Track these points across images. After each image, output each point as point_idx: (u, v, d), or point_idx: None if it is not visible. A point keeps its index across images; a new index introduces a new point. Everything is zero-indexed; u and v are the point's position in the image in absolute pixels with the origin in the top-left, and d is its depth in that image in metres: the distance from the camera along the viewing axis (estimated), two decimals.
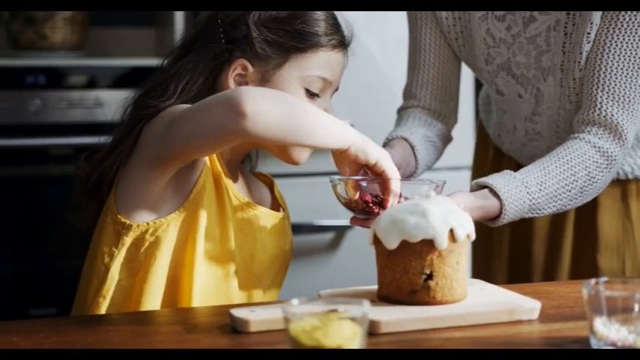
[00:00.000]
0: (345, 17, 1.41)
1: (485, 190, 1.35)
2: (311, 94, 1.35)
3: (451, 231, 1.11)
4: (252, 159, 1.51)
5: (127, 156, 1.29)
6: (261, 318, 1.06)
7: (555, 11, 1.44)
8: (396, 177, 1.26)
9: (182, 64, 1.34)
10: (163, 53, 2.34)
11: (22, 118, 2.35)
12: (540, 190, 1.36)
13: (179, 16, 2.50)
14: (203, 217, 1.28)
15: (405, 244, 1.10)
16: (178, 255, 1.28)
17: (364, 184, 1.28)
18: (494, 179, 1.35)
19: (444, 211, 1.11)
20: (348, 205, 1.28)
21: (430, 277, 1.11)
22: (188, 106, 1.25)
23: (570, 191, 1.39)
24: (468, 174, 1.88)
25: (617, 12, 1.39)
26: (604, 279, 0.99)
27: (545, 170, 1.38)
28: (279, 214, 1.41)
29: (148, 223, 1.27)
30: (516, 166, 1.60)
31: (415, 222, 1.10)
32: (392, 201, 1.25)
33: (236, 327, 1.07)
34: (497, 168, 1.64)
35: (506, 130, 1.63)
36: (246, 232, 1.34)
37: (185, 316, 1.17)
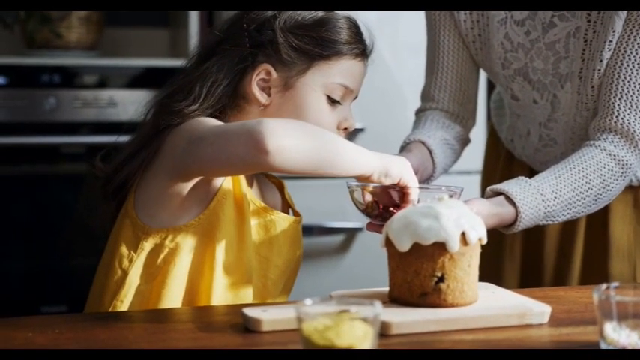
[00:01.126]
0: (367, 26, 1.43)
1: (501, 198, 1.35)
2: (332, 101, 1.36)
3: (463, 234, 1.11)
4: None
5: (149, 162, 1.30)
6: (273, 317, 1.07)
7: (575, 18, 1.44)
8: (415, 186, 1.27)
9: (207, 67, 1.34)
10: (177, 54, 2.37)
11: (37, 117, 2.37)
12: (556, 197, 1.37)
13: (193, 17, 2.52)
14: (223, 225, 1.29)
15: (417, 247, 1.11)
16: (197, 261, 1.28)
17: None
18: (509, 186, 1.36)
19: (457, 214, 1.12)
20: (366, 211, 1.29)
21: (441, 279, 1.11)
22: (211, 125, 1.25)
23: (585, 199, 1.39)
24: (478, 178, 1.88)
25: (639, 20, 1.39)
26: (615, 284, 0.99)
27: (561, 178, 1.38)
28: (294, 219, 1.41)
29: (167, 229, 1.27)
30: (528, 172, 1.61)
31: (428, 225, 1.11)
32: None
33: (248, 326, 1.08)
34: (508, 173, 1.65)
35: (519, 135, 1.63)
36: (263, 238, 1.36)
37: (199, 315, 1.18)
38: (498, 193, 1.36)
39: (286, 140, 1.16)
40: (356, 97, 1.42)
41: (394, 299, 1.15)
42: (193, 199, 1.27)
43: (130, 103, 2.44)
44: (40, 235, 2.44)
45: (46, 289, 2.41)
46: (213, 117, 1.31)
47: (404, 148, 1.54)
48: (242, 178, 1.33)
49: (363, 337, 0.89)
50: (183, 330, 1.08)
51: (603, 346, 0.98)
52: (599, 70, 1.44)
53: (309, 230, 2.34)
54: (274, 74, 1.34)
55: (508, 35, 1.51)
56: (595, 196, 1.40)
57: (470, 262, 1.13)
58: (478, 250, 1.15)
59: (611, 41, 1.42)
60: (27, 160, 2.44)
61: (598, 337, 0.98)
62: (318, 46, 1.34)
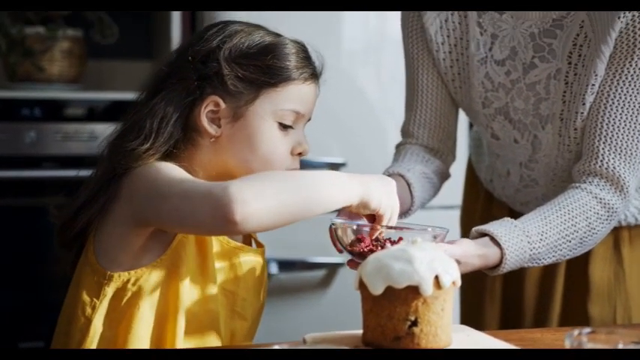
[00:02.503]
0: (316, 49, 1.41)
1: (486, 238, 1.34)
2: (284, 127, 1.35)
3: (436, 277, 1.10)
4: None
5: (108, 207, 1.28)
6: None
7: (556, 60, 1.44)
8: (393, 220, 1.27)
9: (155, 103, 1.31)
10: None
11: (18, 150, 2.36)
12: (541, 240, 1.35)
13: None
14: (185, 263, 1.27)
15: (390, 290, 1.10)
16: (161, 302, 1.27)
17: (366, 229, 1.28)
18: (494, 227, 1.35)
19: (430, 257, 1.11)
20: (348, 248, 1.28)
21: (415, 323, 1.10)
22: (172, 179, 1.23)
23: (570, 242, 1.38)
24: (458, 213, 1.88)
25: (621, 64, 1.39)
26: (587, 330, 0.98)
27: (547, 220, 1.37)
28: (258, 250, 1.40)
29: (129, 273, 1.25)
30: (508, 212, 1.60)
31: (401, 268, 1.10)
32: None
33: None
34: (487, 213, 1.65)
35: (498, 175, 1.63)
36: (228, 271, 1.34)
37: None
38: (483, 234, 1.35)
39: (254, 204, 1.14)
40: (309, 120, 1.40)
41: (368, 343, 1.14)
42: (154, 241, 1.26)
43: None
44: (19, 268, 2.42)
45: (23, 324, 2.38)
46: (167, 153, 1.29)
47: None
48: None
49: None
50: None
51: None
52: (582, 113, 1.44)
53: (290, 265, 2.32)
54: (223, 105, 1.32)
55: (489, 75, 1.51)
56: (580, 239, 1.39)
57: (443, 306, 1.12)
58: (452, 294, 1.14)
59: (593, 85, 1.42)
60: (9, 193, 2.43)
61: None
62: (264, 75, 1.33)
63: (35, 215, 2.45)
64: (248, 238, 1.44)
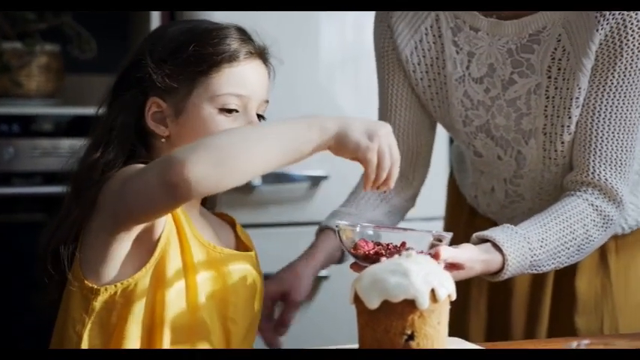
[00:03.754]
0: (256, 27, 1.39)
1: (488, 244, 1.34)
2: (229, 111, 1.33)
3: (432, 291, 1.10)
4: (214, 197, 1.48)
5: (84, 220, 1.27)
6: None
7: (535, 74, 1.44)
8: (393, 162, 1.23)
9: (108, 114, 1.34)
10: None
11: None
12: (541, 246, 1.36)
13: None
14: (170, 271, 1.27)
15: (386, 304, 1.10)
16: (150, 312, 1.26)
17: (370, 232, 1.27)
18: (496, 233, 1.35)
19: (426, 270, 1.11)
20: (352, 251, 1.27)
21: (411, 337, 1.10)
22: (134, 169, 1.24)
23: (569, 249, 1.39)
24: (440, 224, 1.87)
25: (604, 76, 1.40)
26: (585, 341, 0.99)
27: (546, 227, 1.38)
28: (247, 254, 1.40)
29: (116, 285, 1.24)
30: (493, 226, 1.60)
31: (396, 282, 1.09)
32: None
33: None
34: (471, 227, 1.64)
35: (483, 191, 1.62)
36: (216, 277, 1.33)
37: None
38: (484, 240, 1.35)
39: (196, 161, 1.13)
40: (267, 102, 1.38)
41: None
42: (137, 250, 1.25)
43: None
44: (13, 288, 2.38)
45: (3, 342, 2.35)
46: (129, 160, 1.30)
47: (321, 232, 1.53)
48: (184, 219, 1.31)
49: None
50: None
51: None
52: (568, 126, 1.44)
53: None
54: (164, 105, 1.33)
55: (467, 93, 1.51)
56: (578, 246, 1.40)
57: (439, 320, 1.12)
58: (447, 307, 1.14)
59: (577, 98, 1.42)
60: None
61: None
62: (192, 65, 1.32)
63: (12, 232, 2.42)
64: (241, 246, 1.43)
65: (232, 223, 1.47)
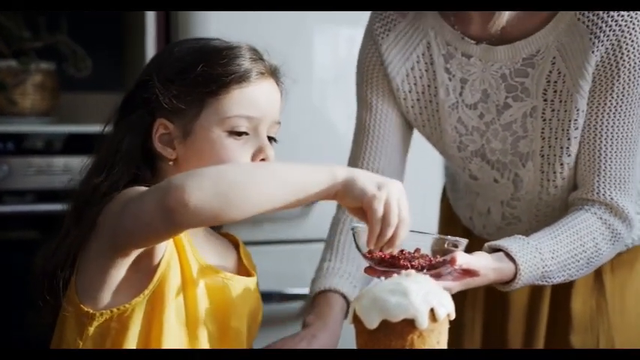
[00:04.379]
0: (266, 47, 1.36)
1: (501, 254, 1.35)
2: (239, 134, 1.29)
3: (432, 310, 1.10)
4: None
5: (82, 243, 1.25)
6: None
7: (530, 98, 1.44)
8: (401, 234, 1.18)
9: (113, 135, 1.31)
10: None
11: None
12: (552, 257, 1.37)
13: None
14: (169, 297, 1.24)
15: (385, 324, 1.10)
16: (146, 340, 1.23)
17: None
18: (509, 243, 1.35)
19: (425, 290, 1.11)
20: (367, 254, 1.24)
21: None
22: (134, 193, 1.21)
23: (579, 261, 1.40)
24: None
25: (602, 97, 1.41)
26: None
27: (557, 239, 1.39)
28: (250, 280, 1.37)
29: (112, 311, 1.21)
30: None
31: (396, 301, 1.09)
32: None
33: None
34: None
35: (478, 212, 1.61)
36: (219, 303, 1.31)
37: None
38: (496, 250, 1.35)
39: (192, 189, 1.10)
40: (279, 124, 1.35)
41: None
42: (136, 275, 1.22)
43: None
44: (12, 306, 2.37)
45: None
46: (134, 183, 1.27)
47: (315, 302, 1.46)
48: (187, 243, 1.28)
49: None
50: None
51: None
52: (567, 147, 1.45)
53: (267, 297, 2.30)
54: (171, 126, 1.30)
55: (461, 119, 1.50)
56: (588, 259, 1.41)
57: (439, 339, 1.12)
58: (446, 327, 1.14)
59: (576, 120, 1.43)
60: None
61: None
62: (201, 86, 1.29)
63: (6, 250, 2.41)
64: (243, 268, 1.41)
65: (236, 244, 1.45)
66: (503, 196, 1.55)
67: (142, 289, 1.23)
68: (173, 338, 1.24)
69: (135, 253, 1.21)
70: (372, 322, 1.10)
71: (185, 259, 1.27)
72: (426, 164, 2.23)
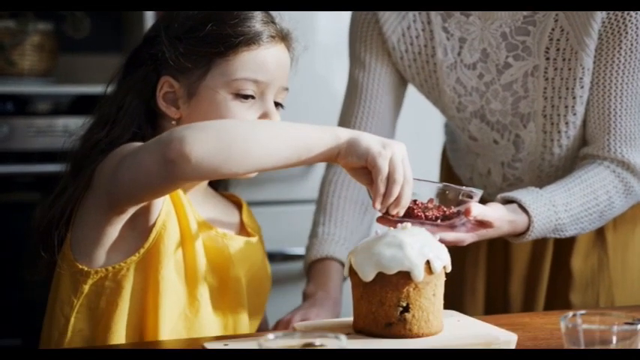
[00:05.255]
0: (281, 14, 1.33)
1: (514, 205, 1.33)
2: (245, 97, 1.27)
3: (427, 263, 1.10)
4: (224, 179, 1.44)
5: (79, 199, 1.23)
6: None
7: (532, 57, 1.42)
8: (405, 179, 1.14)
9: (117, 92, 1.30)
10: None
11: None
12: (566, 210, 1.36)
13: None
14: (167, 255, 1.22)
15: (381, 276, 1.09)
16: (142, 299, 1.22)
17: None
18: (522, 195, 1.34)
19: (421, 242, 1.10)
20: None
21: (406, 309, 1.10)
22: (131, 147, 1.20)
23: (592, 215, 1.39)
24: None
25: (610, 54, 1.39)
26: (582, 312, 0.98)
27: (570, 191, 1.38)
28: (250, 239, 1.36)
29: (107, 269, 1.20)
30: None
31: (391, 254, 1.09)
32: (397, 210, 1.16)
33: None
34: None
35: (479, 174, 1.59)
36: (217, 262, 1.30)
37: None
38: (509, 201, 1.34)
39: (193, 142, 1.08)
40: (286, 90, 1.32)
41: (359, 330, 1.13)
42: (131, 234, 1.21)
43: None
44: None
45: (1, 321, 2.34)
46: (134, 141, 1.26)
47: (313, 271, 1.46)
48: (186, 201, 1.27)
49: None
50: None
51: None
52: (572, 107, 1.43)
53: (269, 257, 2.30)
54: (176, 85, 1.28)
55: (460, 80, 1.48)
56: (601, 212, 1.40)
57: (435, 292, 1.11)
58: (443, 279, 1.13)
59: (581, 78, 1.41)
60: None
61: None
62: (209, 45, 1.26)
63: (5, 211, 2.41)
64: (245, 230, 1.40)
65: (239, 205, 1.43)
66: (504, 157, 1.53)
67: (137, 247, 1.21)
68: (172, 294, 1.23)
69: (131, 211, 1.19)
70: (367, 275, 1.10)
71: (184, 215, 1.26)
72: (426, 122, 2.22)
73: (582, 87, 1.42)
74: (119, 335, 1.21)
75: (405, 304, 1.09)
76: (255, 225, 1.43)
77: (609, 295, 1.56)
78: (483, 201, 1.59)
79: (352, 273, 1.13)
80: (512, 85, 1.45)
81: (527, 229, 1.33)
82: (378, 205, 1.13)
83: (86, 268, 1.21)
